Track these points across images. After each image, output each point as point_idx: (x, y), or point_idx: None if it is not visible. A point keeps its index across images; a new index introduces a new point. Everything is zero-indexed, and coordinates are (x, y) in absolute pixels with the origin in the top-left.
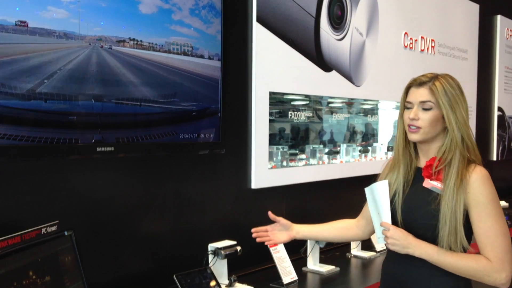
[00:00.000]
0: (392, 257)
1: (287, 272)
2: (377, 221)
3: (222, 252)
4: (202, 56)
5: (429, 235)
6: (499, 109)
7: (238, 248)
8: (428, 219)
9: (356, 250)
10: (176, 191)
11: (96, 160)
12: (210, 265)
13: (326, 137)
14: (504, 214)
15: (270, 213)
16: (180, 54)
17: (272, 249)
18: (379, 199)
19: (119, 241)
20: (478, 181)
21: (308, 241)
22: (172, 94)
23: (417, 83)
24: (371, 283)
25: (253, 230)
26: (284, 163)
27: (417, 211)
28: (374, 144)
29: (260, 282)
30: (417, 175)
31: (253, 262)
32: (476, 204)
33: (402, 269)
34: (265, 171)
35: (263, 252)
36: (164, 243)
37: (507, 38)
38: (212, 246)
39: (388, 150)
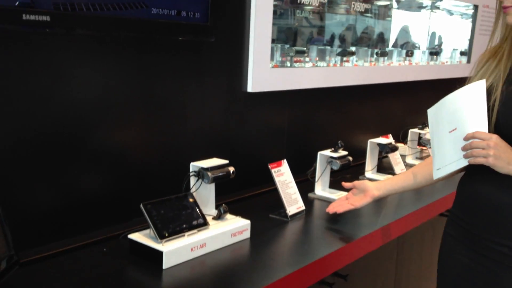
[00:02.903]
0: (474, 176)
1: (292, 200)
2: (438, 147)
3: (209, 174)
4: None
5: None
6: None
7: (231, 169)
8: None
9: (371, 172)
10: (147, 90)
11: (27, 35)
12: (192, 190)
13: (335, 37)
14: None
15: (343, 183)
16: None
17: (274, 171)
18: (470, 105)
19: (66, 155)
20: None
21: (318, 161)
22: None
23: None
24: (390, 219)
25: (330, 209)
26: (288, 64)
27: None
28: (390, 47)
29: (257, 213)
30: None
31: (248, 186)
32: None
33: (488, 192)
34: (267, 70)
35: (262, 175)
36: (130, 160)
37: None
38: (195, 165)
39: (407, 55)
